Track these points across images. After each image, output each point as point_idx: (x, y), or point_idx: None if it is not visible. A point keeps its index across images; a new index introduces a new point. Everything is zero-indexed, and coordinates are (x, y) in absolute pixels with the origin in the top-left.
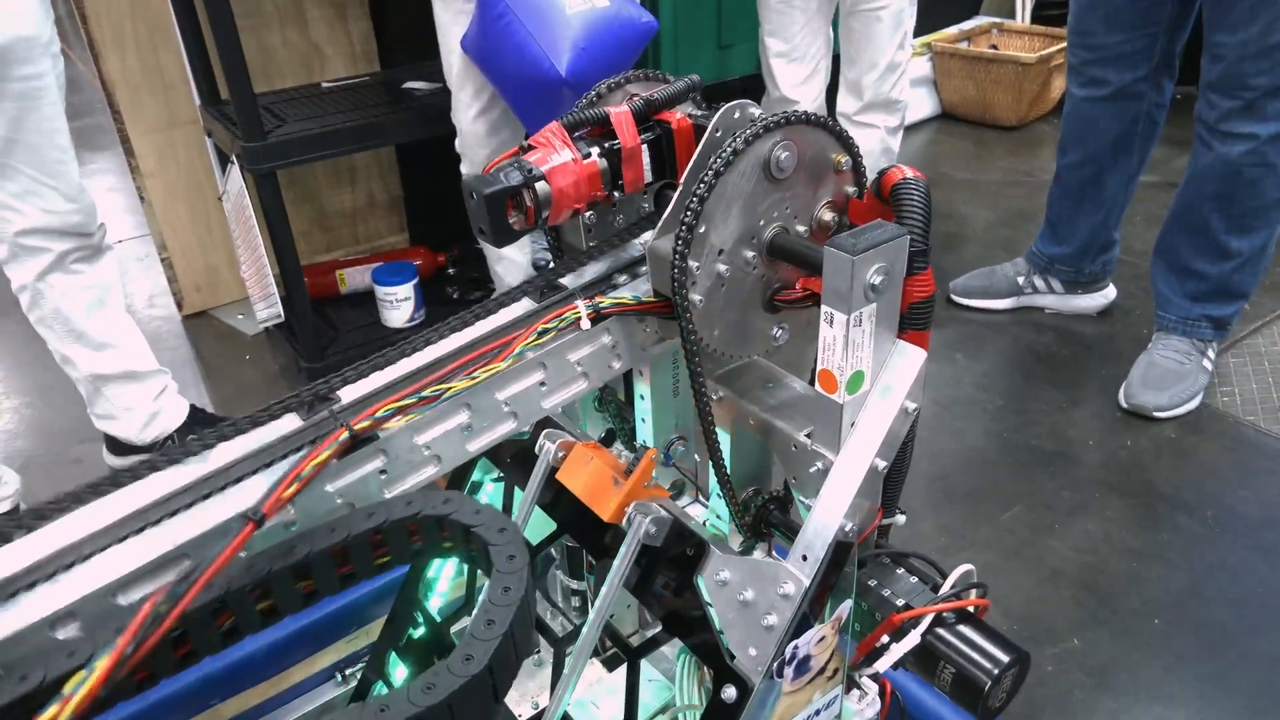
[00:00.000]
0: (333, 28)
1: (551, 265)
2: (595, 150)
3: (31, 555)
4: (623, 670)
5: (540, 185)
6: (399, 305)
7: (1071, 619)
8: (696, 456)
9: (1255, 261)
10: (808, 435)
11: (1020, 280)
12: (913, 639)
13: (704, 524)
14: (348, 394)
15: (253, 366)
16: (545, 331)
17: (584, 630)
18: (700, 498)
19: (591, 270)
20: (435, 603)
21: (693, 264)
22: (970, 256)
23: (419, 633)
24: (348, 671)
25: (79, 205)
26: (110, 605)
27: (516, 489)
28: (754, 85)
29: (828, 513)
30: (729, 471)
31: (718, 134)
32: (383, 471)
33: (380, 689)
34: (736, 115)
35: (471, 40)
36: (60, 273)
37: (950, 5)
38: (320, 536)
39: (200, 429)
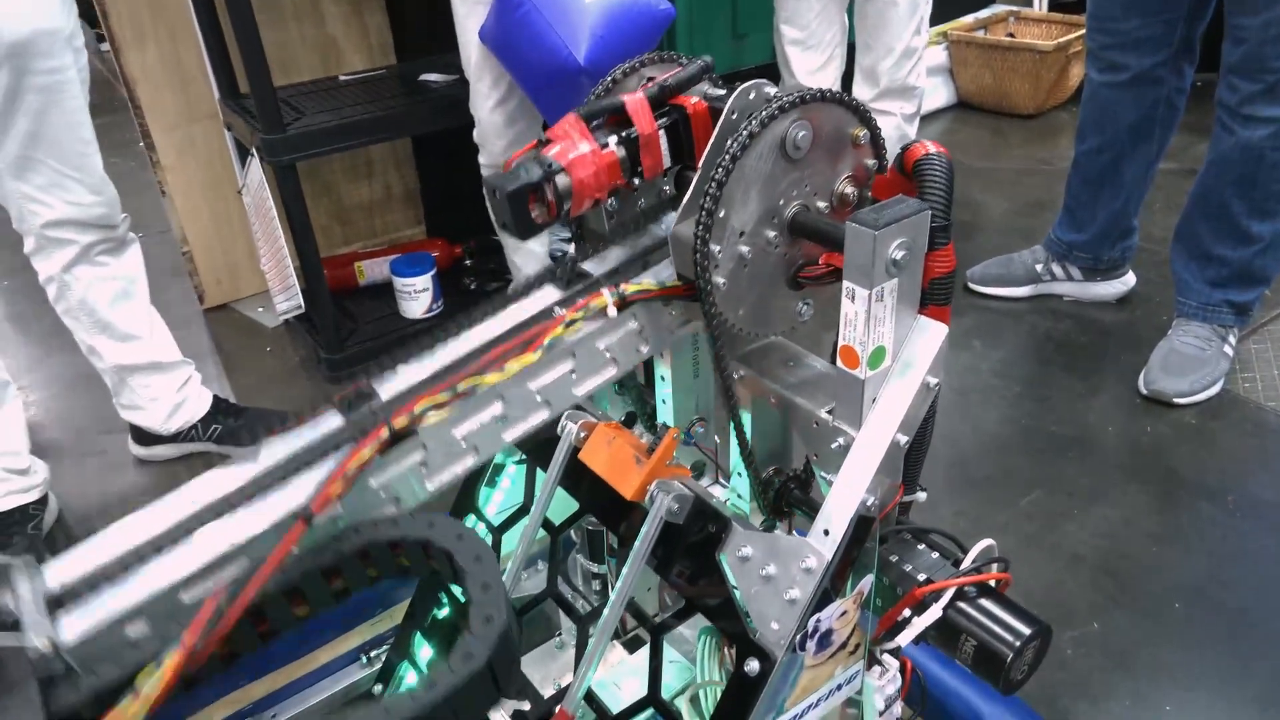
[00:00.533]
0: (349, 21)
1: (571, 253)
2: (613, 139)
3: (98, 557)
4: (644, 653)
5: (560, 179)
6: (417, 296)
7: (1091, 603)
8: (716, 438)
9: (1277, 246)
10: (829, 412)
11: (1038, 268)
12: (934, 612)
13: (725, 504)
14: (385, 391)
15: (273, 358)
16: (573, 322)
17: (607, 608)
18: (720, 479)
19: (614, 256)
20: None
21: (714, 247)
22: (988, 245)
23: (443, 613)
24: (373, 654)
25: (103, 198)
26: (175, 603)
27: (539, 470)
28: (769, 74)
29: (849, 488)
30: (750, 450)
31: (734, 117)
32: (423, 464)
33: (406, 670)
34: (752, 96)
35: (489, 31)
36: (86, 265)
37: None
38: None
39: (224, 419)
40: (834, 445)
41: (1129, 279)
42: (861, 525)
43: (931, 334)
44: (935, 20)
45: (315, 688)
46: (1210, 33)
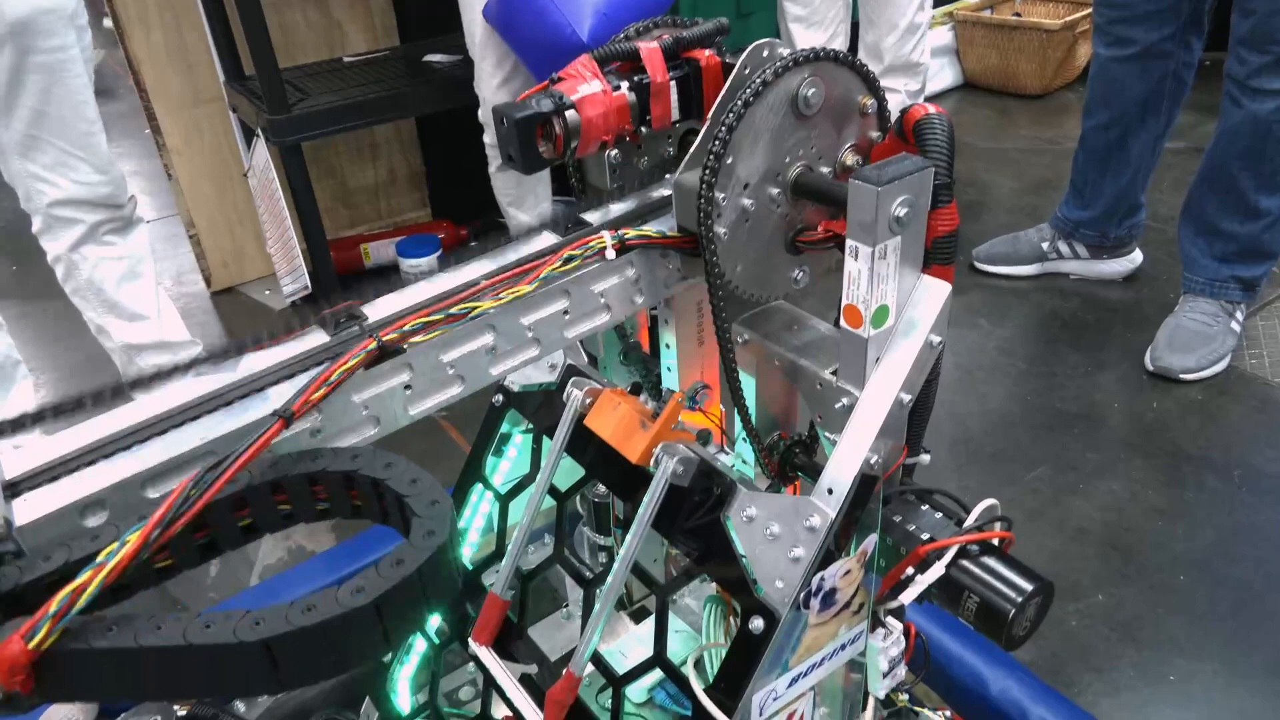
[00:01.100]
0: (352, 3)
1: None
2: (625, 84)
3: (63, 448)
4: (649, 624)
5: (570, 114)
6: (423, 278)
7: (1096, 575)
8: (721, 406)
9: None
10: (833, 372)
11: (1045, 246)
12: (937, 570)
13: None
14: (374, 312)
15: None
16: (571, 259)
17: (613, 570)
18: (725, 445)
19: (616, 209)
20: (466, 552)
21: (719, 195)
22: (994, 225)
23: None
24: None
25: (109, 177)
26: (139, 497)
27: (545, 438)
28: None
29: (853, 447)
30: (753, 416)
31: (746, 71)
32: (408, 386)
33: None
34: (765, 54)
35: (493, 9)
36: (93, 244)
37: None
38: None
39: None
40: (838, 405)
41: (1136, 257)
42: (865, 484)
43: (935, 293)
44: (940, 0)
45: None
46: (1220, 6)
